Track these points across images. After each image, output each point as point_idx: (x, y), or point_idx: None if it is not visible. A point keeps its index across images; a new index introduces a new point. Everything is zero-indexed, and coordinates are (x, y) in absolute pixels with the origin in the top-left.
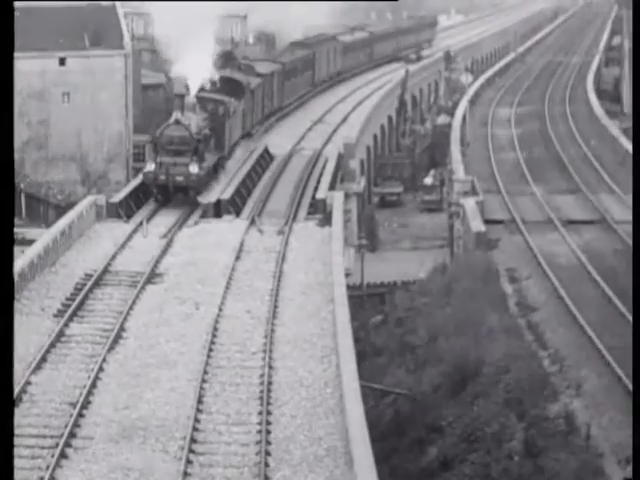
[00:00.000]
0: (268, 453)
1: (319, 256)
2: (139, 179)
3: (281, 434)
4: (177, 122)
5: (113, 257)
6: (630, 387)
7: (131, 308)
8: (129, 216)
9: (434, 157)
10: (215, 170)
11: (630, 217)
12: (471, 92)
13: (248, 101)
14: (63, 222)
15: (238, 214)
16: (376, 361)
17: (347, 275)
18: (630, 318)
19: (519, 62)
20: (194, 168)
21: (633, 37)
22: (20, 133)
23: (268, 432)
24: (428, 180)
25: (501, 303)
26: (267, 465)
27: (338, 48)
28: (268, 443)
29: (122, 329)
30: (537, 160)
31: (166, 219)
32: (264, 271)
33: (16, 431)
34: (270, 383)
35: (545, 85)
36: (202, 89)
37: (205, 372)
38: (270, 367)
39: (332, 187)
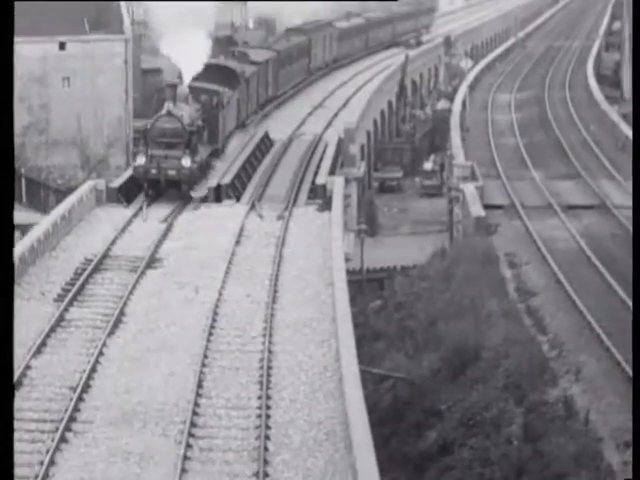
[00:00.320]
0: (268, 437)
1: (319, 241)
2: None
3: (281, 418)
4: (169, 113)
5: (113, 242)
6: (629, 372)
7: (131, 293)
8: (129, 201)
9: (434, 142)
10: (208, 163)
11: (630, 202)
12: (471, 77)
13: (243, 90)
14: (63, 207)
15: (238, 199)
16: (375, 345)
17: (347, 260)
18: (629, 303)
19: (519, 47)
20: (187, 161)
21: (633, 22)
22: (21, 118)
23: (268, 416)
24: (428, 165)
25: (500, 288)
26: (267, 449)
27: (334, 35)
28: (268, 427)
29: (122, 313)
30: (537, 145)
31: (166, 204)
32: (264, 256)
33: (16, 415)
34: (270, 367)
35: (545, 70)
36: (195, 78)
37: (205, 356)
38: (270, 351)
39: (332, 172)
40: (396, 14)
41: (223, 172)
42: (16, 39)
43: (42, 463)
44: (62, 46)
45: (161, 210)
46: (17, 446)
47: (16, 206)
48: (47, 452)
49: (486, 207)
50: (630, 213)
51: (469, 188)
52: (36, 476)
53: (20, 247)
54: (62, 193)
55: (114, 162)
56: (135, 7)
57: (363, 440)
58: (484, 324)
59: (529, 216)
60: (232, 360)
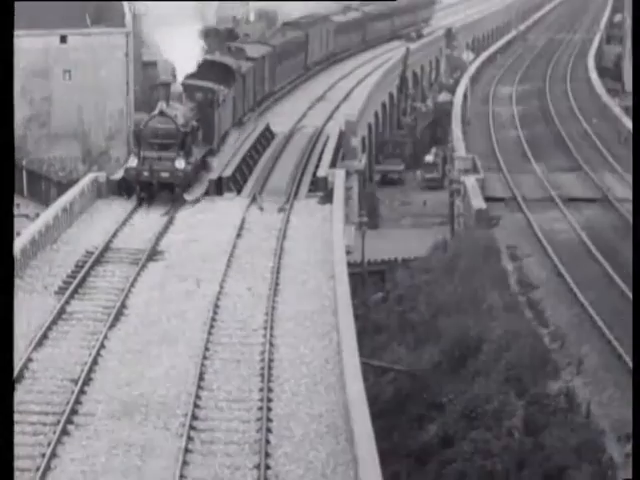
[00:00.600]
0: (269, 430)
1: (320, 233)
2: None
3: (282, 411)
4: (162, 113)
5: (114, 234)
6: (631, 364)
7: (132, 285)
8: (130, 193)
9: (435, 135)
10: (203, 164)
11: (630, 194)
12: (472, 70)
13: (239, 87)
14: (64, 199)
15: (239, 192)
16: (376, 338)
17: (348, 252)
18: (630, 295)
19: (520, 40)
20: (180, 163)
21: (633, 15)
22: (23, 110)
23: (269, 409)
24: (429, 158)
25: (502, 281)
26: (268, 442)
27: (331, 29)
28: (269, 420)
29: (123, 306)
30: (538, 138)
31: (167, 196)
32: (265, 249)
33: (18, 408)
34: (271, 360)
35: (546, 63)
36: (189, 76)
37: (206, 349)
38: (271, 344)
39: (333, 165)
40: (395, 8)
41: (224, 165)
42: (17, 32)
43: (44, 455)
44: (63, 39)
45: (162, 203)
46: (19, 439)
47: (17, 198)
48: (49, 444)
49: (487, 200)
50: (631, 206)
51: (470, 181)
52: (38, 468)
53: (22, 240)
54: (63, 185)
55: (115, 154)
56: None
57: (364, 433)
58: (485, 317)
59: (530, 209)
60: (233, 353)
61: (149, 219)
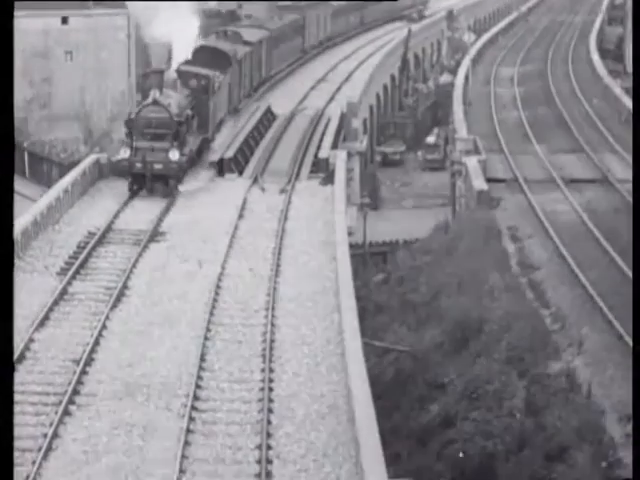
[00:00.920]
0: (270, 410)
1: (321, 215)
2: None
3: (283, 392)
4: (155, 102)
5: (116, 215)
6: (631, 344)
7: (134, 266)
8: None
9: (437, 116)
10: (198, 154)
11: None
12: (474, 51)
13: (235, 73)
14: (66, 180)
15: (241, 173)
16: (378, 319)
17: (349, 234)
18: (631, 275)
19: (522, 21)
20: (174, 154)
21: None
22: (24, 92)
23: (270, 389)
24: (431, 139)
25: (503, 262)
26: (269, 422)
27: (328, 12)
28: (270, 400)
29: (125, 287)
30: (539, 119)
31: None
32: (267, 229)
33: (20, 388)
34: (272, 341)
35: (548, 44)
36: (184, 62)
37: (208, 330)
38: (272, 325)
39: (335, 146)
40: None
41: (226, 146)
42: (18, 13)
43: (46, 436)
44: (64, 20)
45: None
46: (21, 419)
47: (19, 180)
48: (51, 425)
49: (489, 181)
50: (631, 186)
51: (472, 162)
52: (40, 449)
53: (23, 221)
54: (65, 167)
55: (117, 136)
56: None
57: (366, 413)
58: (486, 298)
59: (532, 190)
60: (235, 333)
61: (151, 200)
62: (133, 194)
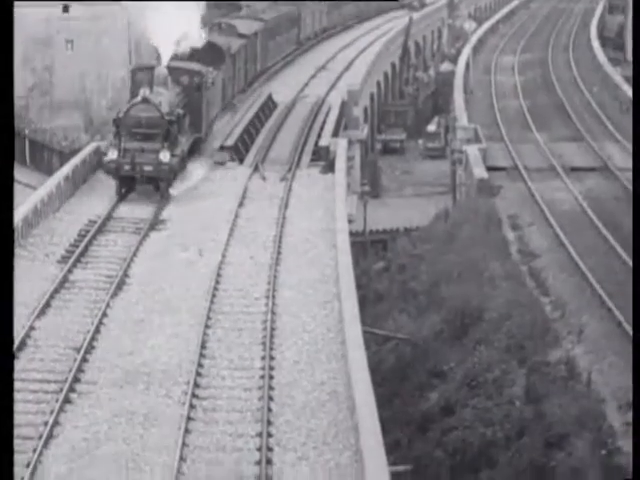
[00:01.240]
0: (271, 398)
1: (322, 203)
2: None
3: (284, 379)
4: (145, 100)
5: (116, 203)
6: (631, 333)
7: (135, 254)
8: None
9: (437, 104)
10: (190, 154)
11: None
12: (474, 39)
13: (228, 68)
14: (67, 168)
15: (242, 161)
16: (378, 307)
17: (350, 222)
18: (631, 264)
19: (523, 9)
20: (165, 156)
21: None
22: (25, 80)
23: (271, 377)
24: (431, 127)
25: (503, 250)
26: (270, 410)
27: (324, 2)
28: (271, 388)
29: (126, 275)
30: (540, 107)
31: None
32: (267, 218)
33: (21, 376)
34: (273, 328)
35: (549, 32)
36: (174, 57)
37: (208, 318)
38: (273, 313)
39: (335, 134)
40: None
41: (226, 134)
42: (19, 2)
43: (46, 423)
44: (65, 9)
45: None
46: (22, 407)
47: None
48: (51, 413)
49: (489, 169)
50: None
51: (472, 150)
52: (40, 436)
53: (24, 209)
54: (66, 155)
55: None
56: None
57: (366, 400)
58: (487, 286)
59: (532, 178)
60: (235, 321)
61: (151, 188)
62: (122, 197)
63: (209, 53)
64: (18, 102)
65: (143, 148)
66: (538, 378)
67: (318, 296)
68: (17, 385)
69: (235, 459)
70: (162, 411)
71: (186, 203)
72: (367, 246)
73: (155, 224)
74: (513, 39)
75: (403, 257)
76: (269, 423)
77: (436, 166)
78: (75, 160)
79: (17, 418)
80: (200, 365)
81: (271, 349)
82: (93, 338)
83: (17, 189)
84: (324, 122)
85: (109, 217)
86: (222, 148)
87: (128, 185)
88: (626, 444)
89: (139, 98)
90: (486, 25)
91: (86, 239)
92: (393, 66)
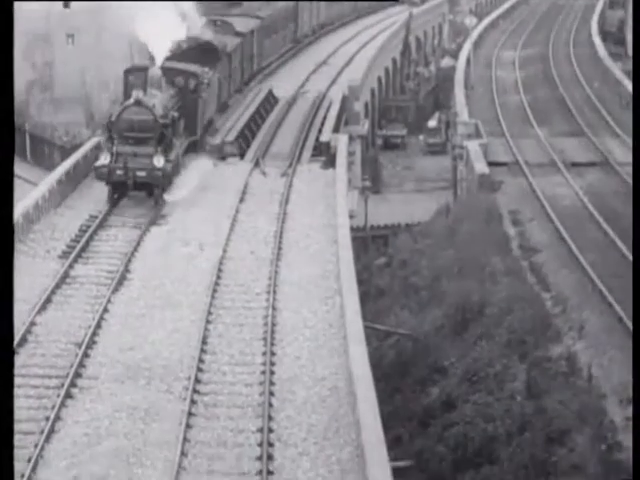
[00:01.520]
0: (272, 393)
1: (323, 198)
2: None
3: (285, 374)
4: (138, 103)
5: (117, 198)
6: (631, 328)
7: (136, 250)
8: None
9: (438, 100)
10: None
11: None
12: (475, 35)
13: (224, 68)
14: (68, 164)
15: (242, 156)
16: (379, 302)
17: (351, 217)
18: (631, 259)
19: (523, 4)
20: (159, 161)
21: None
22: (25, 75)
23: (272, 372)
24: (432, 123)
25: (504, 245)
26: (271, 405)
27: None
28: (272, 383)
29: (127, 270)
30: (541, 102)
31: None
32: (268, 213)
33: (22, 371)
34: (274, 324)
35: (549, 27)
36: (169, 57)
37: (209, 313)
38: (274, 308)
39: (336, 129)
40: None
41: (227, 129)
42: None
43: (48, 419)
44: (66, 4)
45: None
46: (23, 402)
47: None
48: (53, 408)
49: (490, 164)
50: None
51: (473, 145)
52: (42, 431)
53: (24, 204)
54: (67, 150)
55: None
56: None
57: (367, 396)
58: (487, 281)
59: (533, 173)
60: (236, 317)
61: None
62: (114, 203)
63: (204, 52)
64: (18, 97)
65: (136, 153)
66: (539, 373)
67: (319, 291)
68: (18, 381)
69: (236, 454)
70: (163, 406)
71: (187, 198)
72: (368, 241)
73: (156, 219)
74: (514, 34)
75: (404, 252)
76: (270, 418)
77: (437, 161)
78: (76, 155)
79: (18, 413)
80: (201, 360)
81: (272, 344)
82: (94, 333)
83: (17, 184)
84: (325, 117)
85: (110, 212)
86: (224, 143)
87: (120, 191)
88: (627, 439)
89: (132, 100)
90: (487, 20)
91: (87, 234)
92: (394, 61)
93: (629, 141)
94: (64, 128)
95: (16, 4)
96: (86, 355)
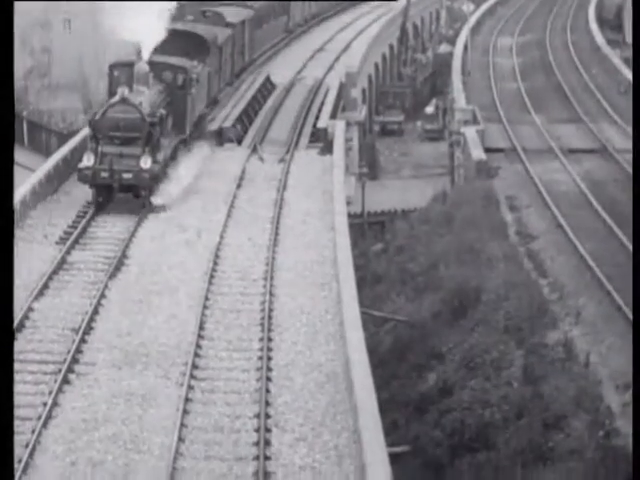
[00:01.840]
0: (269, 379)
1: (320, 184)
2: None
3: (282, 360)
4: (124, 101)
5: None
6: (629, 315)
7: (133, 236)
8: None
9: (435, 86)
10: (173, 158)
11: (631, 145)
12: (473, 21)
13: (214, 61)
14: (65, 150)
15: (240, 142)
16: (376, 288)
17: (348, 203)
18: (630, 246)
19: None
20: (146, 162)
21: None
22: (23, 61)
23: (269, 358)
24: (429, 109)
25: (501, 231)
26: (268, 391)
27: None
28: (269, 369)
29: (124, 256)
30: (538, 89)
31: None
32: (265, 199)
33: (19, 357)
34: (271, 310)
35: (547, 14)
36: (156, 50)
37: (207, 299)
38: (271, 294)
39: (333, 116)
40: None
41: (225, 116)
42: None
43: (45, 404)
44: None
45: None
46: (20, 388)
47: (18, 149)
48: (50, 393)
49: (487, 151)
50: (630, 157)
51: (470, 132)
52: (39, 417)
53: (22, 190)
54: (64, 136)
55: None
56: None
57: (364, 382)
58: (485, 267)
59: (530, 160)
60: (233, 302)
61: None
62: (99, 206)
63: (194, 45)
64: (16, 84)
65: (122, 153)
66: (536, 359)
67: (316, 277)
68: (16, 366)
69: (233, 440)
70: (160, 392)
71: (184, 184)
72: (365, 228)
73: (152, 206)
74: (511, 21)
75: (401, 239)
76: (267, 404)
77: (434, 148)
78: (73, 141)
79: (16, 399)
80: (198, 346)
81: (269, 330)
82: (91, 319)
83: (15, 170)
84: (322, 104)
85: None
86: (221, 130)
87: (105, 194)
88: (623, 425)
89: (117, 98)
90: (484, 7)
91: (84, 220)
92: (391, 48)
93: (626, 128)
94: (61, 114)
95: None
96: (83, 341)
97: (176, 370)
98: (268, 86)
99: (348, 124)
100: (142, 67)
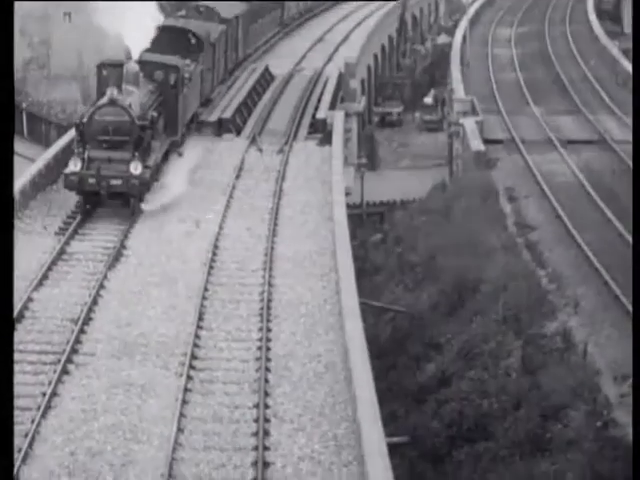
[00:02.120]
0: (268, 369)
1: (319, 175)
2: None
3: (281, 351)
4: (112, 102)
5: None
6: (627, 306)
7: (132, 226)
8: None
9: (434, 77)
10: (164, 161)
11: (630, 137)
12: (471, 12)
13: (208, 58)
14: (64, 141)
15: (239, 133)
16: (375, 279)
17: (347, 194)
18: (628, 237)
19: None
20: (136, 167)
21: None
22: (22, 52)
23: (268, 349)
24: (428, 100)
25: (500, 222)
26: (267, 381)
27: None
28: (268, 360)
29: (123, 247)
30: (537, 80)
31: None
32: (264, 190)
33: (19, 347)
34: (270, 300)
35: (545, 5)
36: (147, 49)
37: (205, 289)
38: (270, 284)
39: (333, 107)
40: None
41: (224, 107)
42: None
43: (44, 394)
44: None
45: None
46: (20, 378)
47: (17, 140)
48: (49, 384)
49: (486, 142)
50: (629, 148)
51: (469, 123)
52: (39, 407)
53: (22, 181)
54: (63, 128)
55: None
56: None
57: (363, 372)
58: (483, 258)
59: (529, 151)
60: (233, 293)
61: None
62: (86, 214)
63: (186, 42)
64: (16, 75)
65: (110, 158)
66: (534, 350)
67: (315, 268)
68: (15, 356)
69: (232, 430)
70: (159, 382)
71: (183, 175)
72: (364, 218)
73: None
74: (510, 12)
75: (400, 229)
76: (266, 394)
77: (433, 138)
78: (72, 132)
79: (15, 389)
80: (197, 337)
81: (268, 321)
82: (91, 310)
83: (15, 161)
84: (321, 94)
85: None
86: (220, 120)
87: (93, 201)
88: (621, 415)
89: (105, 99)
90: None
91: (83, 212)
92: (390, 39)
93: (625, 119)
94: (60, 106)
95: None
96: (82, 331)
97: (175, 360)
98: (267, 77)
99: (347, 115)
100: (132, 66)
